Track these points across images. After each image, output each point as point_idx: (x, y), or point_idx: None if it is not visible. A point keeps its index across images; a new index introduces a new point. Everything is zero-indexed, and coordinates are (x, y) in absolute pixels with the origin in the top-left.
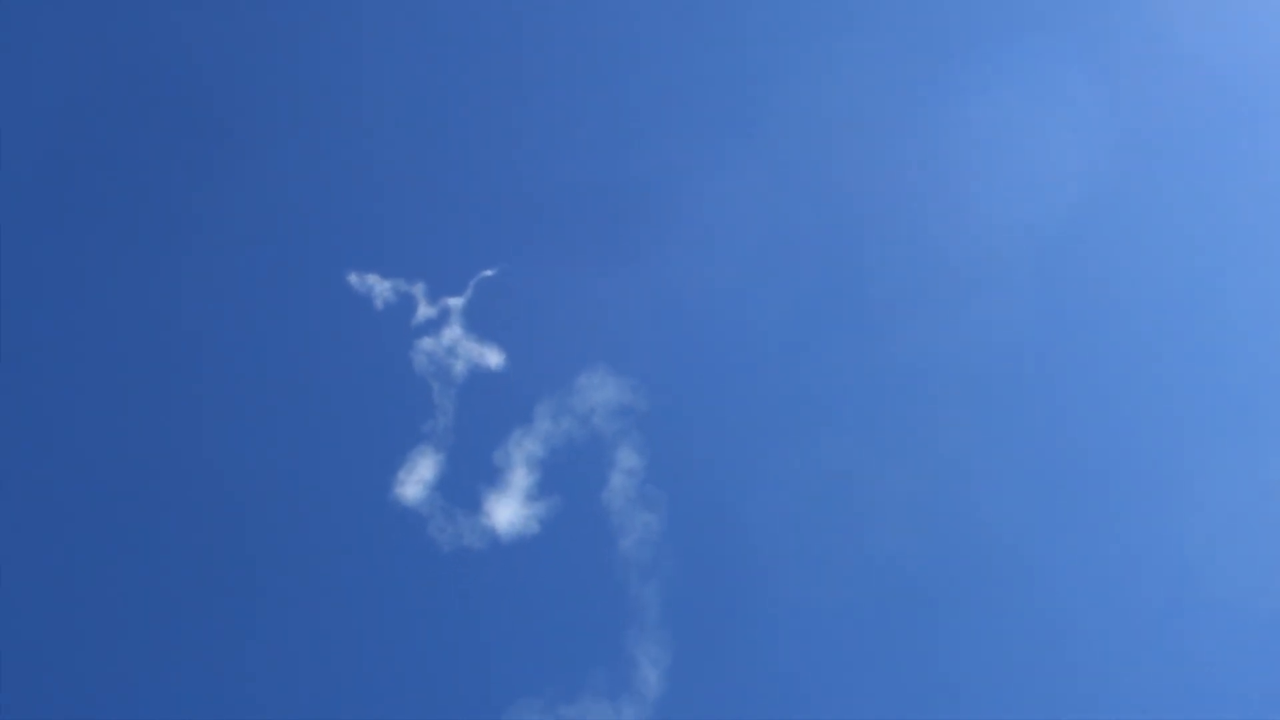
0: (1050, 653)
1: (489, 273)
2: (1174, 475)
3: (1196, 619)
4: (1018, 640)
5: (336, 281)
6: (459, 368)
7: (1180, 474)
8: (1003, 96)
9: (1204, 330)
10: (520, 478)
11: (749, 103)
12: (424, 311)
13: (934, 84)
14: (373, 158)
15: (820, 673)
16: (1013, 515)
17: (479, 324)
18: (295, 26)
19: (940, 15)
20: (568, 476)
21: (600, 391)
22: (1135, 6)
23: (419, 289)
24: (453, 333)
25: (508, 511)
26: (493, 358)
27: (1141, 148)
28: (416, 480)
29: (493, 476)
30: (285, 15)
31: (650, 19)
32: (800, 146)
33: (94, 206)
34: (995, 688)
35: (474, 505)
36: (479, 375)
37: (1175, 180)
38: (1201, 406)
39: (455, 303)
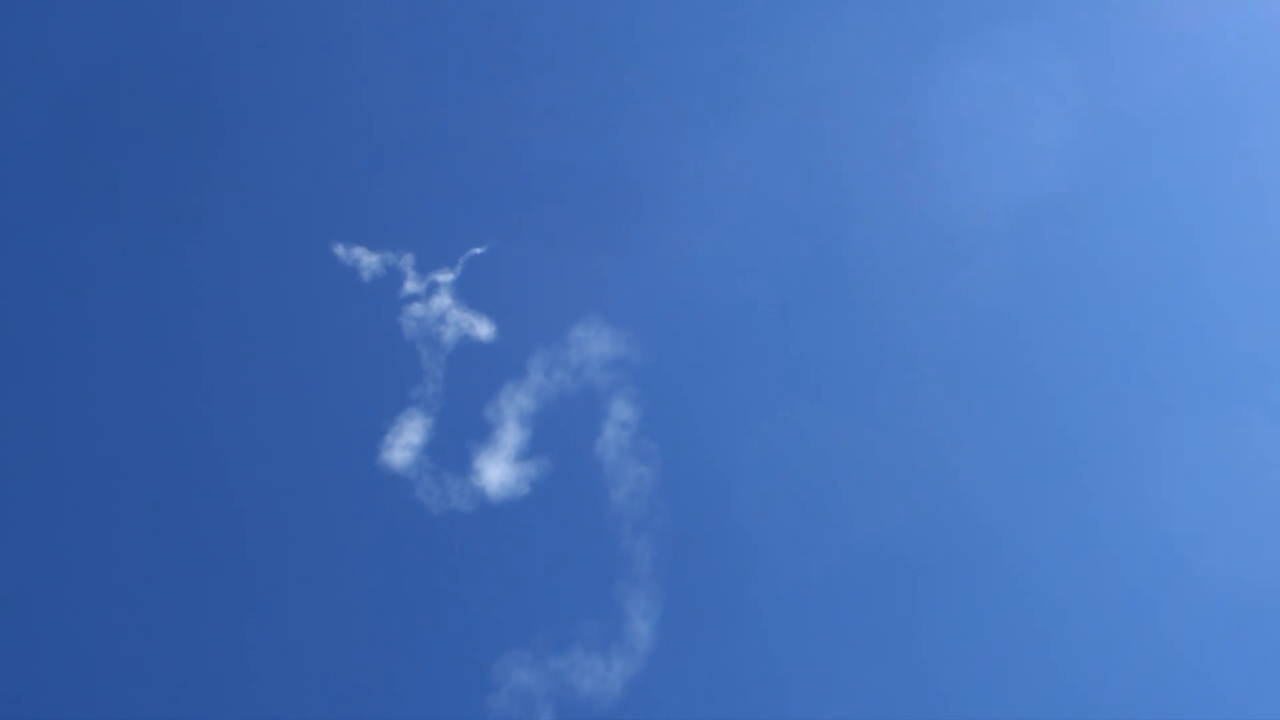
0: (1029, 625)
1: (478, 250)
2: (1158, 457)
3: (1181, 602)
4: (999, 604)
5: (324, 256)
6: (449, 334)
7: (1164, 456)
8: (989, 77)
9: (1188, 313)
10: (511, 432)
11: (736, 80)
12: (412, 287)
13: (922, 63)
14: (364, 134)
15: (810, 629)
16: (998, 482)
17: (469, 296)
18: (287, 7)
19: None
20: (560, 430)
21: (595, 345)
22: None
23: (407, 261)
24: (442, 302)
25: (500, 464)
26: (483, 328)
27: (1126, 130)
28: (405, 444)
29: (484, 431)
30: None
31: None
32: (788, 122)
33: (81, 181)
34: (976, 649)
35: (466, 457)
36: (469, 342)
37: (1159, 163)
38: (1186, 389)
39: (444, 278)
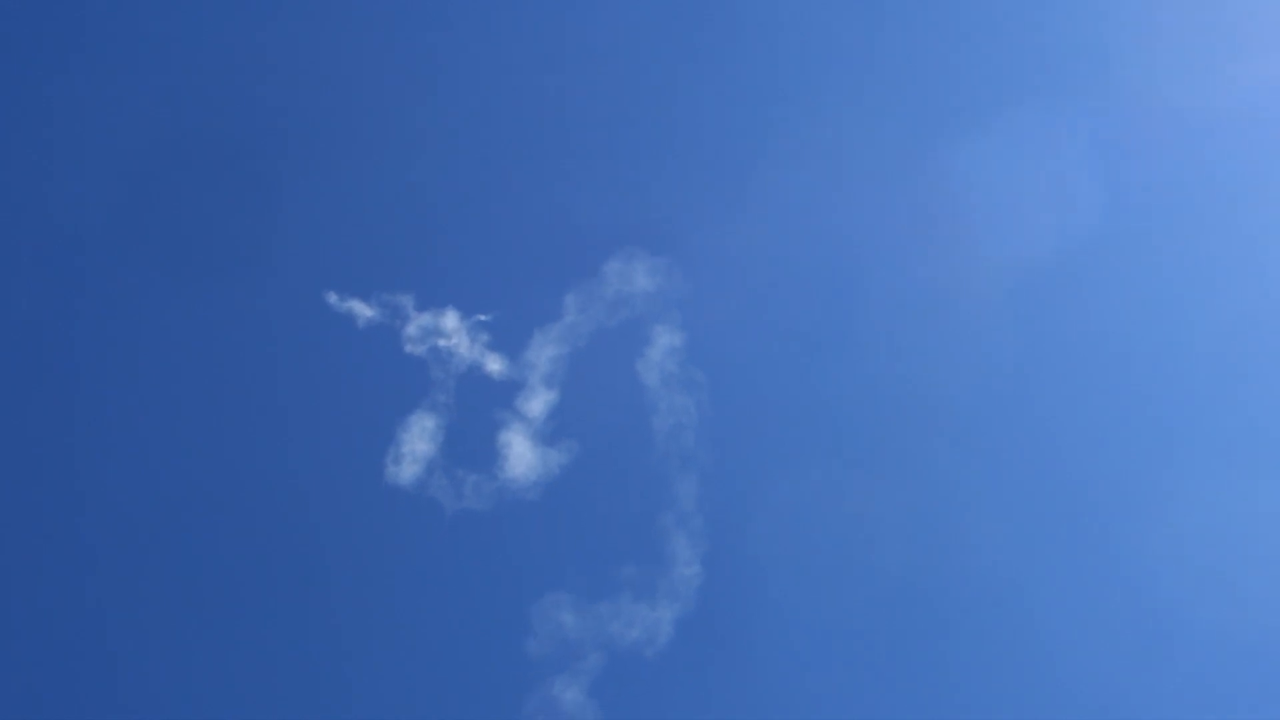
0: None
1: (483, 317)
2: (1165, 514)
3: (1185, 641)
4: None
5: (324, 305)
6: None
7: (1167, 500)
8: (997, 145)
9: (1194, 374)
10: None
11: (754, 150)
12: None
13: (932, 134)
14: (375, 186)
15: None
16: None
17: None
18: (293, 90)
19: (939, 69)
20: (599, 370)
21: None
22: (1131, 67)
23: (409, 304)
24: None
25: (537, 407)
26: (494, 363)
27: (1130, 194)
28: (423, 445)
29: (521, 375)
30: (278, 83)
31: (646, 64)
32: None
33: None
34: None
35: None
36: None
37: (1166, 237)
38: (1190, 436)
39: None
